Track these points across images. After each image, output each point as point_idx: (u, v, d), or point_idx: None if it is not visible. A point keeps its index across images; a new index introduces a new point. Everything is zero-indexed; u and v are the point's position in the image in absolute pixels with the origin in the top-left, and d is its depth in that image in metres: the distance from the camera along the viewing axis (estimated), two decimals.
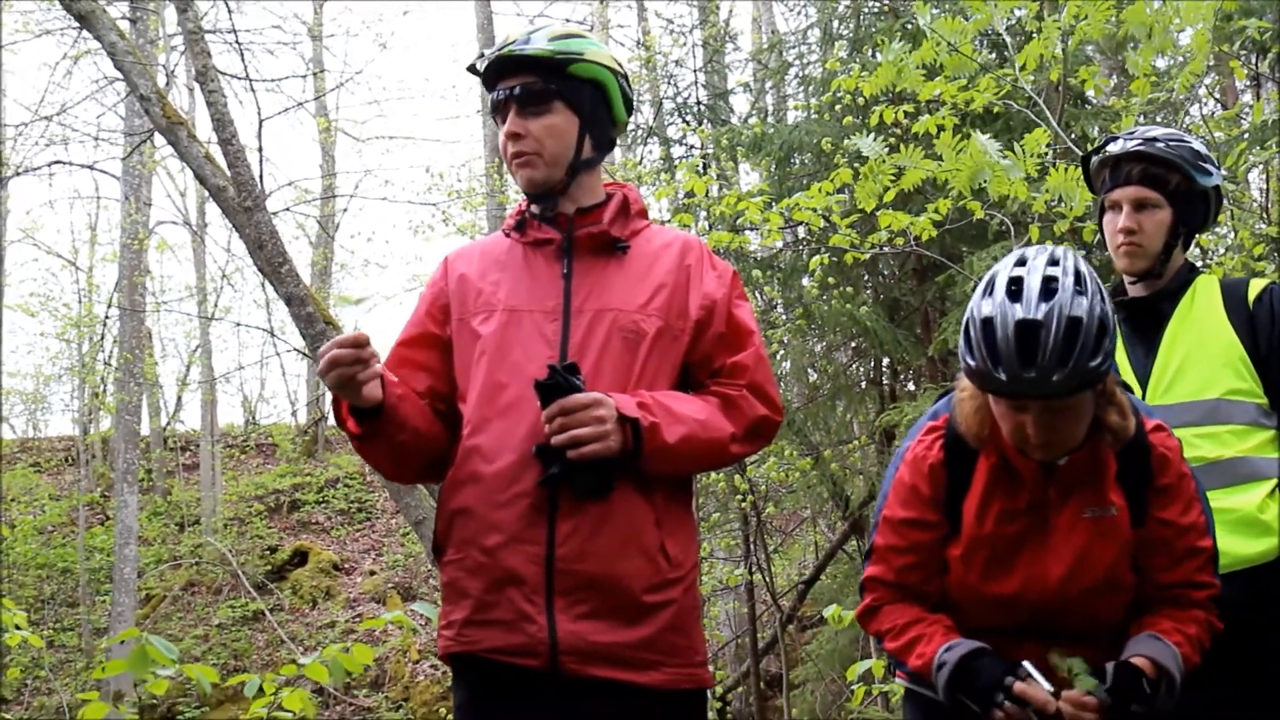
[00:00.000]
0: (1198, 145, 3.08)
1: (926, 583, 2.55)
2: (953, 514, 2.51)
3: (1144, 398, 2.96)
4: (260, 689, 2.62)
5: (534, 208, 2.64)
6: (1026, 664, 2.36)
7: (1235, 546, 2.81)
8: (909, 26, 8.01)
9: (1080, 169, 4.47)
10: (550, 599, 2.38)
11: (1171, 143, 3.02)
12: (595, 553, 2.39)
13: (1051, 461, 2.41)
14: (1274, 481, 2.85)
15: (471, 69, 2.62)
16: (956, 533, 2.50)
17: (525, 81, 2.53)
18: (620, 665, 2.38)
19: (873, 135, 5.12)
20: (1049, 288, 2.26)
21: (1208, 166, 3.05)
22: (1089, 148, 4.30)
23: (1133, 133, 3.10)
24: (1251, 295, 2.98)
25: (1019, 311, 2.24)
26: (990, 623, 2.50)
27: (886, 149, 5.07)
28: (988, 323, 2.28)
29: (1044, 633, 2.47)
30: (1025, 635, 2.48)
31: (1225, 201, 6.02)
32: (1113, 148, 3.07)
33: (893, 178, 5.15)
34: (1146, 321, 3.06)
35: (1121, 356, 3.07)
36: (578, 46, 2.56)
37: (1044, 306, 2.23)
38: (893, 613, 2.56)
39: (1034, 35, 5.09)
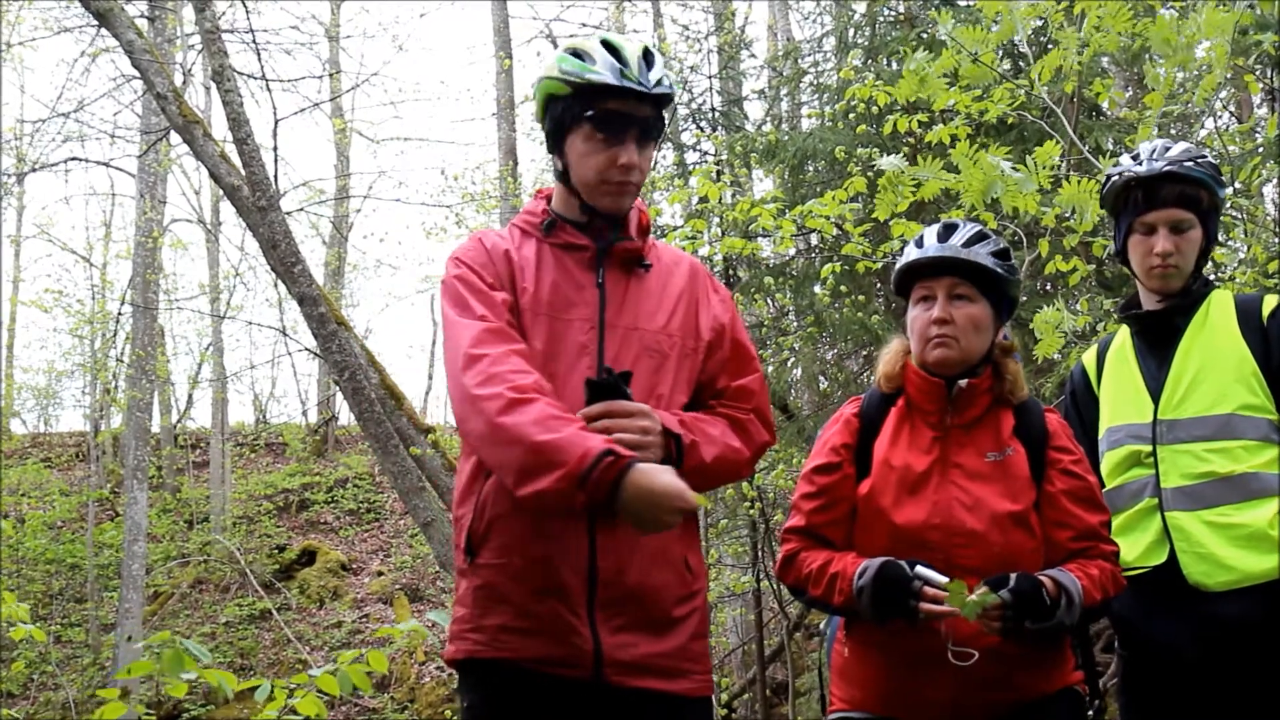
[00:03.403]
0: (1212, 159, 3.10)
1: (835, 526, 2.76)
2: (864, 459, 2.79)
3: (1156, 411, 2.97)
4: (271, 693, 2.62)
5: (568, 214, 2.62)
6: (920, 569, 2.56)
7: (1245, 562, 2.81)
8: (924, 36, 8.02)
9: (1092, 182, 4.47)
10: (592, 611, 2.40)
11: (1199, 160, 3.03)
12: (633, 565, 2.43)
13: (951, 382, 2.73)
14: None
15: (608, 86, 2.49)
16: (867, 473, 2.77)
17: (650, 115, 2.55)
18: (657, 675, 2.43)
19: (887, 140, 5.11)
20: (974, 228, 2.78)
21: (1222, 179, 3.09)
22: (1104, 160, 4.29)
23: (1152, 151, 3.09)
24: (1266, 311, 2.98)
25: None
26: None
27: (905, 160, 5.06)
28: (919, 236, 2.82)
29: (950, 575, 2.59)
30: None
31: (1238, 214, 6.02)
32: (1139, 169, 3.05)
33: (912, 190, 5.15)
34: (1160, 335, 3.06)
35: (1134, 369, 3.08)
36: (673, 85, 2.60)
37: (966, 224, 2.79)
38: (807, 559, 2.75)
39: (1050, 47, 5.08)
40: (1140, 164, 3.06)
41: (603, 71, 2.49)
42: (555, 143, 2.61)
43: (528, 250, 2.60)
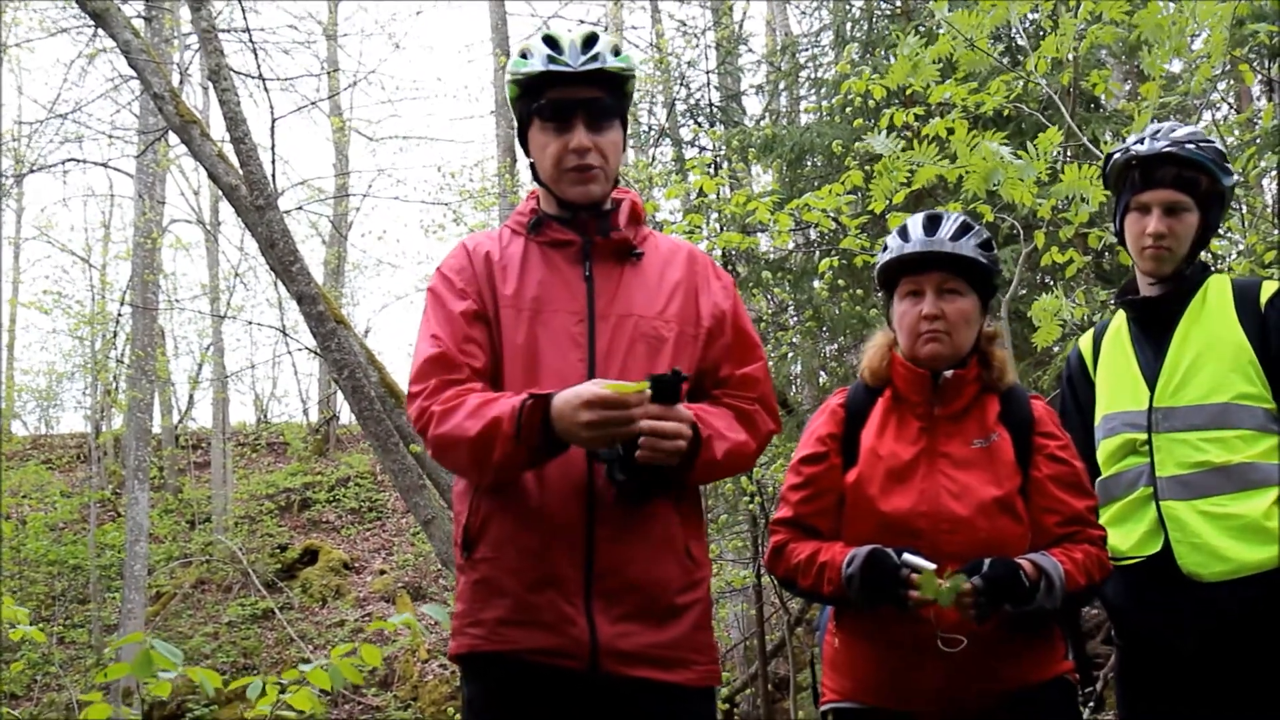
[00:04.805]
0: (1219, 145, 3.06)
1: (823, 517, 2.77)
2: (850, 449, 2.80)
3: (1152, 399, 2.95)
4: (264, 690, 2.62)
5: (551, 210, 2.64)
6: (907, 556, 2.57)
7: (1240, 553, 2.80)
8: (921, 29, 8.02)
9: (1095, 168, 4.46)
10: (589, 601, 2.41)
11: (1202, 144, 2.99)
12: (634, 556, 2.43)
13: (937, 374, 2.74)
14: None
15: (542, 74, 2.53)
16: (854, 463, 2.78)
17: (596, 96, 2.55)
18: (656, 665, 2.43)
19: (884, 134, 5.11)
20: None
21: (1229, 166, 3.04)
22: (1103, 150, 4.28)
23: (1157, 131, 3.05)
24: (1264, 298, 2.95)
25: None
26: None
27: (901, 146, 5.06)
28: (902, 227, 2.82)
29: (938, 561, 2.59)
30: None
31: (1236, 205, 6.02)
32: (1140, 148, 3.02)
33: (907, 175, 5.14)
34: (1156, 321, 3.03)
35: (1130, 356, 3.06)
36: (631, 62, 2.60)
37: (950, 215, 2.81)
38: (795, 550, 2.76)
39: (1047, 34, 5.08)
40: (1143, 143, 3.03)
41: (536, 63, 2.54)
42: (524, 145, 2.67)
43: (515, 249, 2.62)
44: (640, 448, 2.32)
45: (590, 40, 2.55)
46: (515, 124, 2.69)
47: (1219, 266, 5.75)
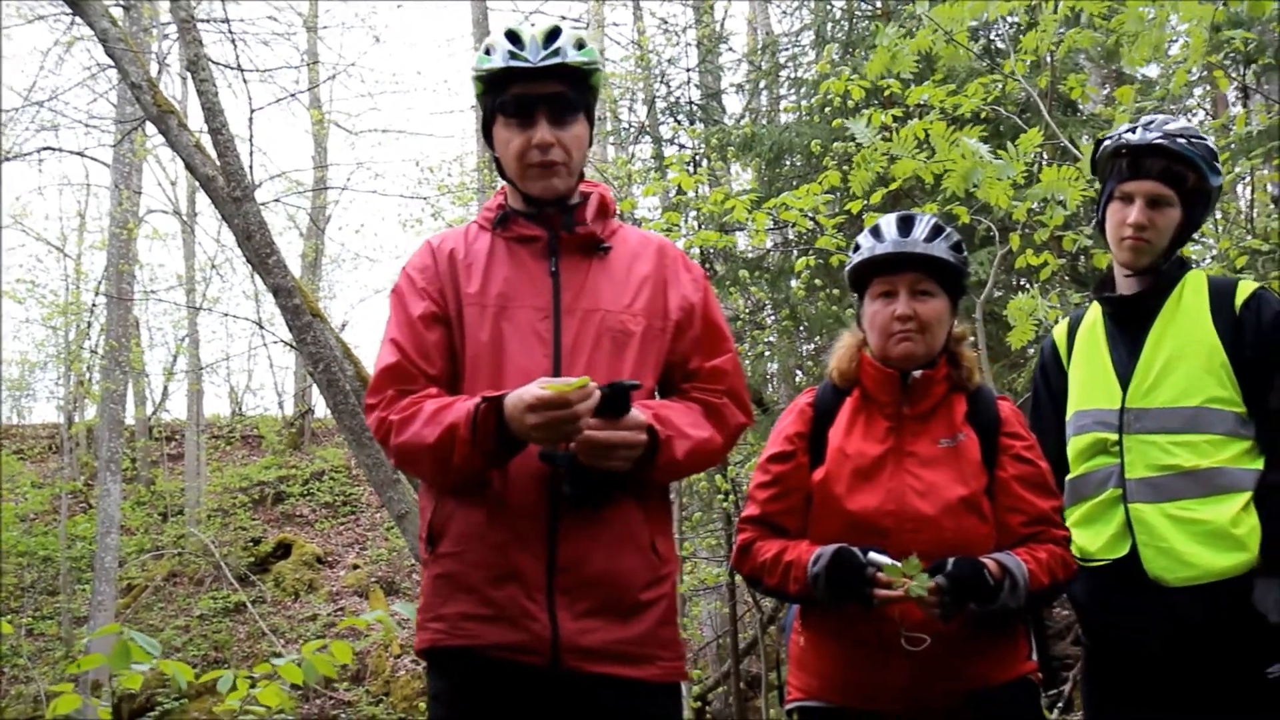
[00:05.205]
0: (1211, 143, 3.04)
1: (790, 515, 2.78)
2: (818, 448, 2.81)
3: (1124, 399, 2.95)
4: (234, 684, 2.61)
5: (517, 206, 2.64)
6: (873, 555, 2.58)
7: (1204, 559, 2.80)
8: (901, 28, 8.04)
9: (1073, 169, 4.47)
10: (551, 597, 2.40)
11: (1193, 140, 2.96)
12: (597, 552, 2.43)
13: (906, 373, 2.75)
14: (1249, 495, 2.83)
15: (504, 70, 2.53)
16: (821, 461, 2.79)
17: (558, 91, 2.54)
18: (619, 661, 2.43)
19: (865, 124, 5.12)
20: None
21: (1218, 167, 3.02)
22: (1081, 152, 4.28)
23: (1151, 121, 3.03)
24: (1239, 299, 2.93)
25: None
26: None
27: (880, 137, 5.07)
28: (874, 227, 2.83)
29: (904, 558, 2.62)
30: None
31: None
32: (1131, 136, 2.99)
33: (884, 166, 5.15)
34: (1132, 318, 3.01)
35: (1104, 353, 3.04)
36: (595, 56, 2.59)
37: (922, 217, 2.83)
38: (762, 549, 2.77)
39: (1025, 32, 5.10)
40: (1134, 132, 3.00)
41: (496, 60, 2.53)
42: (489, 140, 2.67)
43: (481, 245, 2.63)
44: (580, 455, 2.34)
45: (552, 35, 2.54)
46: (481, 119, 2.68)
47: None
